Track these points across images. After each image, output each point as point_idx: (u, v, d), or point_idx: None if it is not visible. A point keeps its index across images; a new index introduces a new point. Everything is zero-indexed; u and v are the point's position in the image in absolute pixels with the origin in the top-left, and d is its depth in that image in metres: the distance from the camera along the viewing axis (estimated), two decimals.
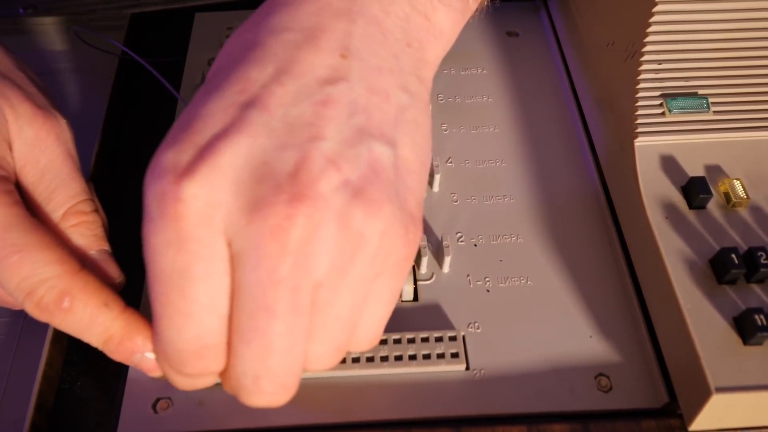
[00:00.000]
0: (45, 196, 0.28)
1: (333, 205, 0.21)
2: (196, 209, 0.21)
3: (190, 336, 0.22)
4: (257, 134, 0.21)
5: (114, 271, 0.29)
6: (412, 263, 0.25)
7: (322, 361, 0.24)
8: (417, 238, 0.24)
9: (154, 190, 0.21)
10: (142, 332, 0.26)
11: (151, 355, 0.26)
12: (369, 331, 0.25)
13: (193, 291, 0.21)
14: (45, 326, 0.30)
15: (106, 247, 0.29)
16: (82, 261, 0.26)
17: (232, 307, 0.22)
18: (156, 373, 0.26)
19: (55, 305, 0.25)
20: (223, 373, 0.23)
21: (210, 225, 0.21)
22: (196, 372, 0.23)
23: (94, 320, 0.25)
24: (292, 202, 0.20)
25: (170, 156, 0.21)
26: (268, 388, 0.22)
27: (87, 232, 0.28)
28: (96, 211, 0.29)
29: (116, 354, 0.26)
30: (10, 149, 0.27)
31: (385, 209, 0.22)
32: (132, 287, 0.32)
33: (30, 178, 0.28)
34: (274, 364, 0.22)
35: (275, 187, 0.20)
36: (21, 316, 0.32)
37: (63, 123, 0.29)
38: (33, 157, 0.27)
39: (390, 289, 0.24)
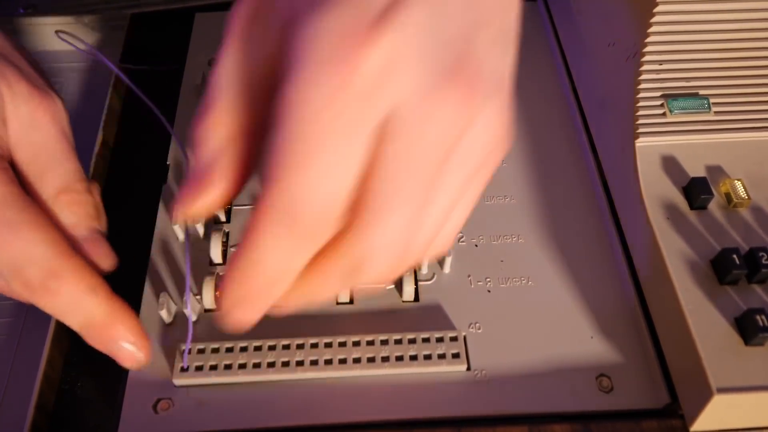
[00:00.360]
0: (38, 174, 0.28)
1: (488, 96, 0.22)
2: (376, 71, 0.19)
3: (323, 191, 0.20)
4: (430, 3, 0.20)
5: (106, 251, 0.28)
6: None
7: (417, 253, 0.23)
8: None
9: (331, 39, 0.19)
10: (125, 321, 0.26)
11: (128, 346, 0.26)
12: (448, 236, 0.24)
13: (338, 151, 0.20)
14: (45, 327, 0.30)
15: (98, 226, 0.29)
16: (73, 240, 0.26)
17: (374, 176, 0.20)
18: (130, 364, 0.26)
19: (42, 286, 0.25)
20: (328, 254, 0.22)
21: (382, 89, 0.19)
22: (313, 230, 0.21)
23: (79, 304, 0.25)
24: (469, 89, 0.21)
25: (351, 8, 0.19)
26: (386, 263, 0.22)
27: (79, 210, 0.28)
28: (90, 192, 0.29)
29: (94, 340, 0.26)
30: (6, 127, 0.27)
31: (507, 113, 0.24)
32: (133, 287, 0.32)
33: (24, 157, 0.28)
34: (396, 247, 0.21)
35: (454, 70, 0.20)
36: (21, 316, 0.32)
37: (59, 103, 0.29)
38: (28, 136, 0.28)
39: (476, 194, 0.24)
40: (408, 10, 0.20)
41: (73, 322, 0.26)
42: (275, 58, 0.21)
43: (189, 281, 0.31)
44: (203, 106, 0.22)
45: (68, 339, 0.32)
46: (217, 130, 0.22)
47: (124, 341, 0.26)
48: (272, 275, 0.22)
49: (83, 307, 0.25)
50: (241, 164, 0.22)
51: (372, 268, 0.21)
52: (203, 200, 0.22)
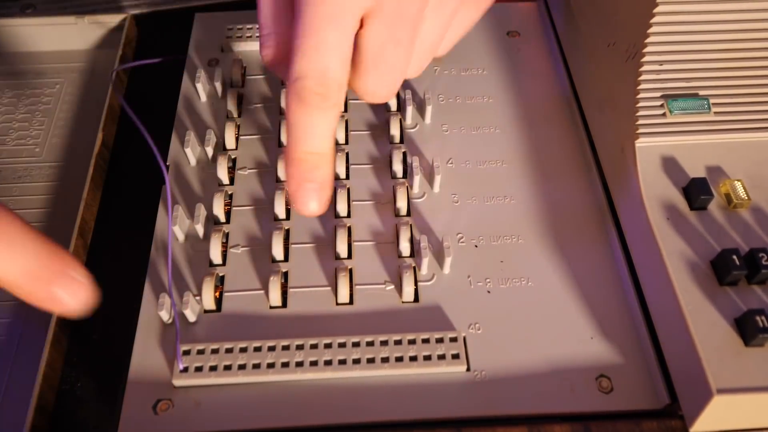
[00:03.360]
0: None
1: None
2: None
3: (321, 63, 0.27)
4: None
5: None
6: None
7: (417, 70, 0.31)
8: None
9: None
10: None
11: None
12: (446, 47, 0.33)
13: (326, 35, 0.26)
14: (45, 327, 0.30)
15: None
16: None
17: (364, 42, 0.28)
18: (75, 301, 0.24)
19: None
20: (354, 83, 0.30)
21: None
22: (325, 93, 0.27)
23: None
24: None
25: None
26: (387, 91, 0.30)
27: None
28: None
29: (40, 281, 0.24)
30: None
31: None
32: (133, 287, 0.32)
33: None
34: (392, 80, 0.29)
35: None
36: (21, 316, 0.32)
37: None
38: None
39: (471, 18, 0.32)
40: None
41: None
42: None
43: (171, 280, 0.31)
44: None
45: (68, 339, 0.32)
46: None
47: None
48: (313, 137, 0.28)
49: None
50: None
51: (382, 93, 0.30)
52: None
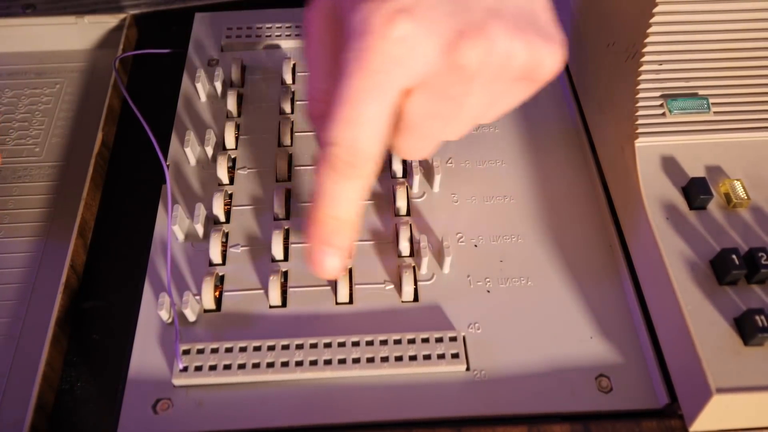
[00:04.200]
0: None
1: (497, 50, 0.26)
2: (399, 40, 0.25)
3: (350, 136, 0.26)
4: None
5: None
6: (546, 78, 0.29)
7: (456, 135, 0.30)
8: (559, 55, 0.29)
9: (365, 20, 0.25)
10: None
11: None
12: (492, 117, 0.31)
13: (364, 107, 0.26)
14: (45, 327, 0.30)
15: None
16: None
17: (405, 111, 0.28)
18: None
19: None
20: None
21: (403, 57, 0.25)
22: (356, 166, 0.27)
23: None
24: (472, 45, 0.26)
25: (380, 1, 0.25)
26: (420, 153, 0.30)
27: None
28: None
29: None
30: None
31: (529, 37, 0.27)
32: (133, 287, 0.32)
33: None
34: (429, 144, 0.30)
35: (459, 33, 0.26)
36: (21, 316, 0.32)
37: None
38: None
39: (522, 94, 0.30)
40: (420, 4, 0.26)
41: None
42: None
43: (170, 279, 0.31)
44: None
45: (67, 339, 0.32)
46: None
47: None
48: (337, 202, 0.28)
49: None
50: None
51: (415, 154, 0.30)
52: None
